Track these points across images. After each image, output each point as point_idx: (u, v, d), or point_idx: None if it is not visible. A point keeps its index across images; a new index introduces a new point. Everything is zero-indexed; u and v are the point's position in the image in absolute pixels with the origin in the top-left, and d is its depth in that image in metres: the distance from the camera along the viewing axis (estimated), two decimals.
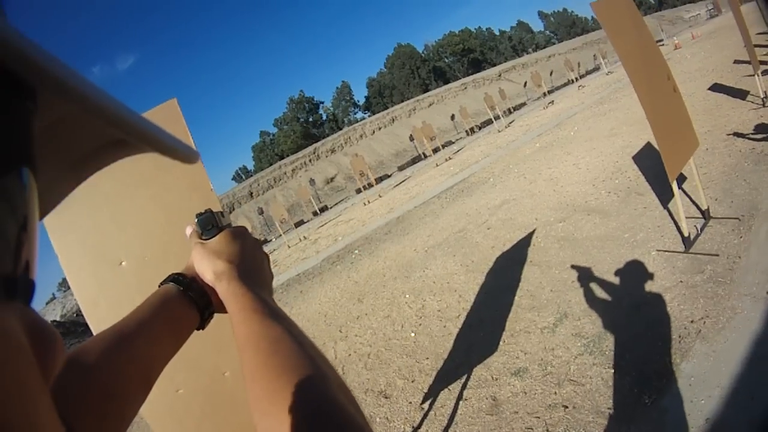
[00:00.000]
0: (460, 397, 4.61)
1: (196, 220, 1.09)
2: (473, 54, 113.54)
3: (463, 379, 4.84)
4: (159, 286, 1.02)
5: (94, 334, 2.49)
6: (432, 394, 4.79)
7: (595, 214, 7.73)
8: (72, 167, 0.39)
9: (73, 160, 0.38)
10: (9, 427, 0.25)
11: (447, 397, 4.73)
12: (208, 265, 1.00)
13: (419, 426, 4.47)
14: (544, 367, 4.54)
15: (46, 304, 50.26)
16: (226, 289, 0.95)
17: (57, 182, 0.38)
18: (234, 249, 1.03)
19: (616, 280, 5.54)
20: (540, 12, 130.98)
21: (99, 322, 2.53)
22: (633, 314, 4.75)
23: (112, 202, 2.63)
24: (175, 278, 1.01)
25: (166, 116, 2.67)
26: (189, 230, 1.12)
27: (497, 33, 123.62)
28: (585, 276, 5.89)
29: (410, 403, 5.00)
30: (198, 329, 1.03)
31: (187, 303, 0.98)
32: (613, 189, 8.49)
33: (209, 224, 1.08)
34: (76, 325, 33.67)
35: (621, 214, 7.33)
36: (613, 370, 4.12)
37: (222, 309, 1.02)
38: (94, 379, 0.76)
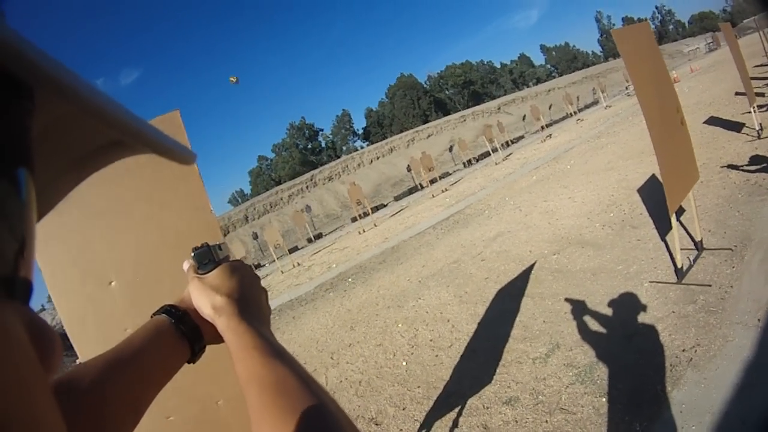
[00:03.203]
0: (454, 425, 4.62)
1: (192, 254, 1.08)
2: (474, 86, 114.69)
3: (456, 409, 4.83)
4: (152, 316, 1.01)
5: (78, 352, 2.41)
6: (425, 423, 4.80)
7: (589, 247, 7.78)
8: (70, 168, 0.39)
9: (70, 160, 0.38)
10: (11, 423, 0.25)
11: (439, 426, 4.73)
12: (206, 300, 0.99)
13: None
14: (536, 397, 4.55)
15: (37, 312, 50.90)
16: (226, 325, 0.94)
17: (55, 183, 0.38)
18: (232, 284, 1.02)
19: (608, 311, 5.57)
20: (542, 46, 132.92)
21: (84, 340, 2.50)
22: (625, 344, 4.77)
23: (104, 217, 2.54)
24: (167, 310, 1.01)
25: (167, 127, 2.58)
26: (186, 265, 1.11)
27: (498, 66, 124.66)
28: (578, 307, 5.91)
29: (401, 430, 5.00)
30: (188, 362, 1.03)
31: (178, 336, 0.98)
32: (608, 222, 8.55)
33: (206, 258, 1.06)
34: (64, 338, 33.41)
35: (615, 246, 7.37)
36: (604, 399, 4.13)
37: (215, 340, 1.03)
38: (84, 405, 0.76)
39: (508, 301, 7.03)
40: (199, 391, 2.50)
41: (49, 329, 0.33)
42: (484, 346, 6.01)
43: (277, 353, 0.87)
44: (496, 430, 4.34)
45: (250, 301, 1.02)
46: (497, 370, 5.25)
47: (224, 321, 0.95)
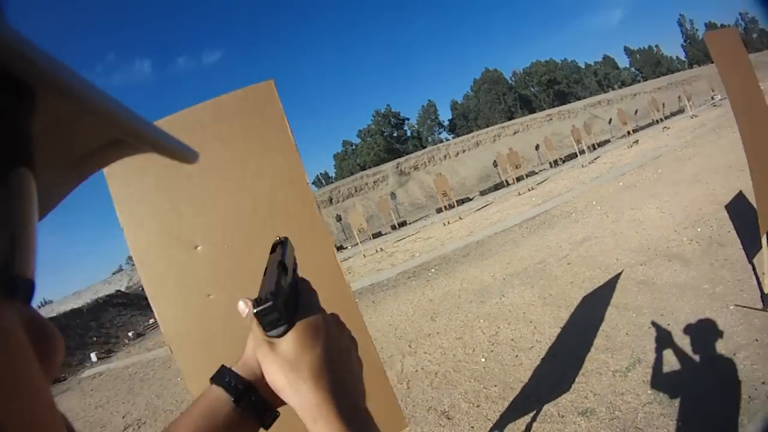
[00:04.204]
0: (527, 430, 4.63)
1: (254, 313, 0.77)
2: (559, 85, 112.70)
3: (531, 413, 4.85)
4: (210, 381, 0.85)
5: (157, 314, 2.54)
6: (498, 424, 4.82)
7: (676, 261, 7.63)
8: (71, 167, 0.39)
9: (72, 160, 0.38)
10: (10, 424, 0.26)
11: (512, 428, 4.75)
12: (290, 392, 0.79)
13: None
14: (612, 411, 4.52)
15: (113, 274, 51.29)
16: (318, 429, 0.76)
17: (56, 182, 0.38)
18: (316, 358, 0.80)
19: (692, 332, 5.44)
20: (626, 48, 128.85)
21: (164, 303, 2.55)
22: (705, 368, 4.69)
23: (194, 181, 2.55)
24: (227, 382, 0.83)
25: (261, 96, 2.61)
26: (244, 309, 0.89)
27: (582, 66, 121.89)
28: (662, 323, 5.81)
29: (473, 428, 5.02)
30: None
31: (239, 416, 0.81)
32: (695, 237, 8.37)
33: (273, 319, 0.78)
34: (139, 298, 34.39)
35: (702, 263, 7.21)
36: (680, 423, 4.06)
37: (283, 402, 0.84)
38: None
39: (592, 308, 6.97)
40: None
41: (50, 329, 0.34)
42: (565, 351, 6.00)
43: None
44: None
45: (345, 381, 0.83)
46: (576, 379, 5.23)
47: (312, 424, 0.77)
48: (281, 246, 0.96)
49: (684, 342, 5.31)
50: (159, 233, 2.55)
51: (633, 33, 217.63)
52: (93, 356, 22.72)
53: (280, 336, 0.80)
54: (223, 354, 2.41)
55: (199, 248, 2.54)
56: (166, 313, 2.56)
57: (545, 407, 4.90)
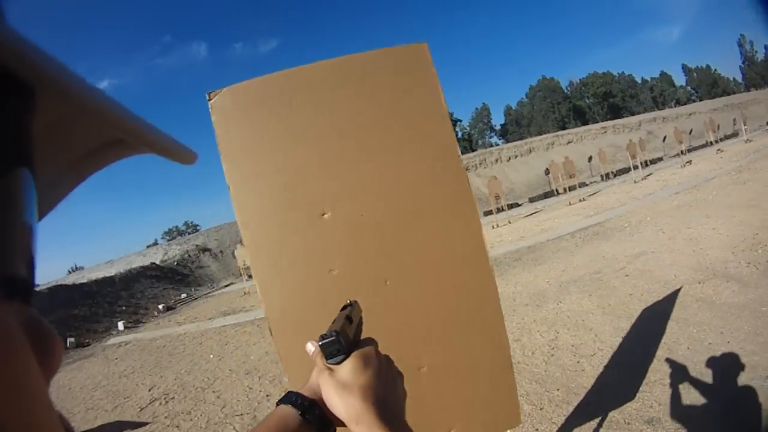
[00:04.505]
0: None
1: (319, 344, 1.00)
2: (614, 99, 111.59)
3: (597, 419, 4.85)
4: (276, 404, 0.98)
5: (260, 288, 2.26)
6: (563, 428, 4.81)
7: (734, 282, 7.55)
8: (70, 167, 0.39)
9: (71, 160, 0.38)
10: (8, 425, 0.26)
11: None
12: (339, 401, 0.94)
13: None
14: (677, 422, 4.52)
15: (147, 247, 51.79)
16: (360, 429, 0.90)
17: (55, 182, 0.38)
18: (367, 380, 0.96)
19: (751, 351, 5.42)
20: (684, 65, 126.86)
21: (271, 276, 2.25)
22: (764, 389, 4.67)
23: (329, 139, 2.26)
24: (293, 400, 0.97)
25: (413, 57, 2.35)
26: (311, 347, 1.05)
27: (639, 81, 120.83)
28: (721, 342, 5.79)
29: (537, 430, 5.01)
30: None
31: (306, 428, 0.93)
32: (753, 260, 8.27)
33: (335, 349, 0.99)
34: (173, 272, 35.02)
35: (759, 286, 7.16)
36: None
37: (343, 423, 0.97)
38: None
39: (652, 321, 6.95)
40: (400, 354, 2.27)
41: (49, 329, 0.34)
42: (627, 361, 5.95)
43: None
44: None
45: (386, 396, 0.97)
46: (640, 388, 5.22)
47: (361, 428, 0.91)
48: (350, 306, 1.16)
49: (744, 361, 5.29)
50: (277, 194, 2.26)
51: (691, 51, 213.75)
52: (120, 325, 22.66)
53: (338, 363, 0.98)
54: None
55: (326, 215, 2.26)
56: (273, 289, 2.27)
57: (610, 414, 4.88)
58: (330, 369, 0.98)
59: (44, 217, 0.36)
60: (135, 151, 0.39)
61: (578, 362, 6.30)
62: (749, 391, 4.65)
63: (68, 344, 18.68)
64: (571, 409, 5.23)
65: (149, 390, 9.96)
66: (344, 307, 1.14)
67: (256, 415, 7.00)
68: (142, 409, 8.79)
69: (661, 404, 4.86)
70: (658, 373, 5.45)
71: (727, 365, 5.26)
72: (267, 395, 7.80)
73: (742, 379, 4.90)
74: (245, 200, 2.25)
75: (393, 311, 2.24)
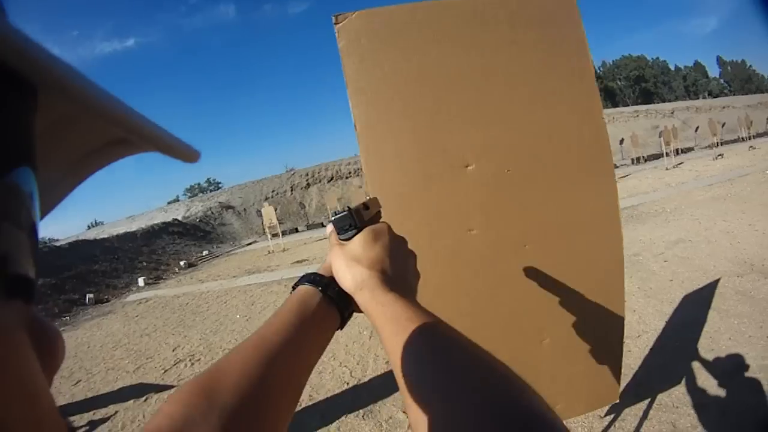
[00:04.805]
0: (644, 417, 4.66)
1: (332, 219, 1.03)
2: (646, 84, 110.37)
3: (646, 400, 4.89)
4: (293, 287, 0.98)
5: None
6: (613, 407, 4.81)
7: None
8: (72, 166, 0.38)
9: (73, 158, 0.38)
10: (10, 425, 0.26)
11: (628, 413, 4.77)
12: (347, 273, 0.95)
13: None
14: (722, 409, 4.58)
15: (168, 203, 51.89)
16: (370, 299, 0.89)
17: (57, 181, 0.38)
18: (375, 252, 0.97)
19: None
20: (719, 58, 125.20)
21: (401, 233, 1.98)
22: None
23: (477, 84, 2.04)
24: (312, 279, 0.97)
25: (561, 9, 2.15)
26: (329, 229, 1.06)
27: (672, 68, 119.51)
28: (761, 336, 5.81)
29: None
30: (338, 329, 0.99)
31: (326, 305, 0.94)
32: None
33: (346, 224, 1.01)
34: (195, 228, 35.22)
35: None
36: None
37: (360, 309, 0.98)
38: (242, 400, 0.72)
39: (693, 308, 6.97)
40: (522, 326, 2.20)
41: (51, 329, 0.34)
42: (672, 345, 5.98)
43: (434, 319, 0.81)
44: (684, 431, 4.39)
45: (395, 270, 0.97)
46: (686, 374, 5.27)
47: (367, 295, 0.90)
48: (369, 199, 1.17)
49: None
50: (416, 138, 2.04)
51: (726, 43, 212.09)
52: (141, 281, 22.44)
53: (349, 239, 1.00)
54: (469, 307, 2.18)
55: (471, 167, 2.05)
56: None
57: (659, 396, 4.92)
58: (341, 244, 1.01)
59: (44, 217, 0.36)
60: (138, 150, 0.38)
61: (624, 342, 6.16)
62: None
63: (87, 300, 18.53)
64: (620, 389, 5.17)
65: (173, 350, 9.65)
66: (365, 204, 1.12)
67: None
68: (166, 371, 8.47)
69: (706, 391, 4.89)
70: (703, 360, 5.48)
71: (766, 359, 5.30)
72: None
73: None
74: (375, 142, 2.03)
75: (527, 279, 2.15)
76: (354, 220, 1.01)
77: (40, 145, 0.31)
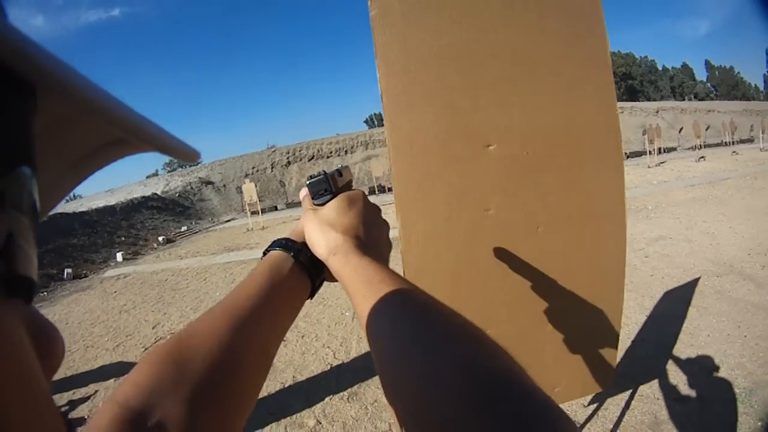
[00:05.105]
0: (626, 407, 4.77)
1: (307, 183, 1.03)
2: (632, 81, 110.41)
3: (628, 391, 5.00)
4: (264, 253, 0.98)
5: (401, 224, 1.99)
6: (597, 397, 4.91)
7: (749, 281, 7.70)
8: (71, 166, 0.38)
9: (72, 159, 0.38)
10: (9, 424, 0.26)
11: (611, 402, 4.87)
12: (321, 238, 0.95)
13: (583, 425, 4.60)
14: (702, 402, 4.70)
15: (147, 177, 51.87)
16: (344, 263, 0.89)
17: (56, 181, 0.38)
18: (349, 218, 0.97)
19: (765, 348, 5.62)
20: (708, 62, 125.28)
21: (418, 212, 1.97)
22: None
23: (502, 65, 2.00)
24: (283, 244, 0.97)
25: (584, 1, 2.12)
26: (303, 193, 1.06)
27: (660, 68, 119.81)
28: (738, 335, 5.98)
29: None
30: (308, 299, 0.99)
31: (297, 272, 0.94)
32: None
33: (322, 188, 1.01)
34: (174, 204, 35.23)
35: None
36: (760, 423, 4.30)
37: (332, 278, 0.99)
38: (211, 367, 0.72)
39: (673, 304, 7.11)
40: (529, 308, 2.19)
41: (51, 328, 0.35)
42: (653, 339, 6.10)
43: (408, 283, 0.80)
44: (665, 422, 4.49)
45: (368, 237, 0.97)
46: (668, 367, 5.40)
47: (340, 260, 0.90)
48: (343, 167, 1.14)
49: (761, 355, 5.49)
50: (438, 117, 1.97)
51: (715, 48, 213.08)
52: (119, 256, 22.04)
53: (324, 204, 0.99)
54: (481, 288, 2.16)
55: (492, 147, 2.01)
56: (416, 225, 2.01)
57: (641, 388, 5.04)
58: (315, 209, 1.01)
59: (44, 217, 0.36)
60: (137, 150, 0.38)
61: None
62: (765, 384, 4.87)
63: (65, 275, 18.15)
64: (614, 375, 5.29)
65: (153, 328, 9.55)
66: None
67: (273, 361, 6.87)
68: (146, 349, 8.31)
69: (687, 384, 5.03)
70: (683, 354, 5.62)
71: (743, 357, 5.46)
72: (283, 340, 7.38)
73: (758, 372, 5.09)
74: (400, 116, 1.95)
75: (537, 261, 2.15)
76: (329, 185, 1.01)
77: (40, 146, 0.31)
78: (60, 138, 0.35)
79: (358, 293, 0.82)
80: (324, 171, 1.02)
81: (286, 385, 6.15)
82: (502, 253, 2.09)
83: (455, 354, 0.60)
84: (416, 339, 0.66)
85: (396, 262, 0.97)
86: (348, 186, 1.14)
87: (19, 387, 0.27)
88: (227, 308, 0.82)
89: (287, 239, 0.99)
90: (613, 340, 2.47)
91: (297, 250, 0.96)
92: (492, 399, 0.51)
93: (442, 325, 0.67)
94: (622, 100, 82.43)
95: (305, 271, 0.95)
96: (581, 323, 2.33)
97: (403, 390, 0.63)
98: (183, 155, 0.37)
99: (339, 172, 1.09)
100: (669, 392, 4.91)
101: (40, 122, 0.30)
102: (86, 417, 6.13)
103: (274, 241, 0.99)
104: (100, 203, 32.82)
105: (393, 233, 1.12)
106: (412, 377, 0.61)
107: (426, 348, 0.63)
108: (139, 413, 0.63)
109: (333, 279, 0.98)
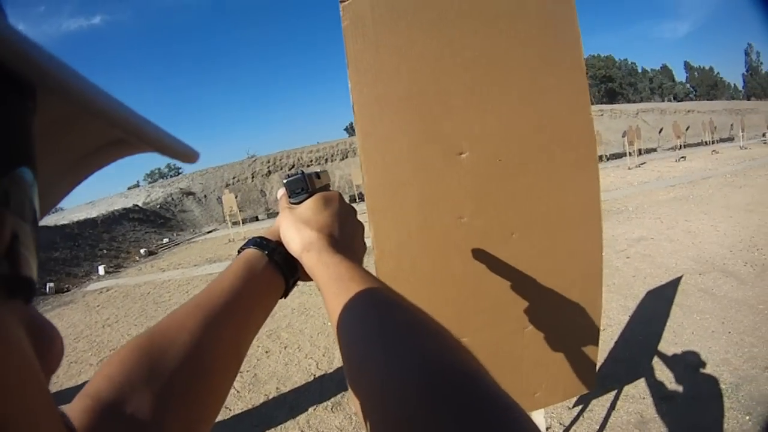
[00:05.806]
0: (612, 407, 4.77)
1: (284, 182, 1.04)
2: (612, 84, 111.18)
3: (613, 392, 5.00)
4: (239, 251, 0.98)
5: (374, 234, 1.96)
6: (582, 399, 4.92)
7: (732, 278, 7.75)
8: (71, 167, 0.39)
9: (72, 159, 0.38)
10: (8, 425, 0.26)
11: (596, 404, 4.87)
12: (295, 235, 0.96)
13: (569, 427, 4.61)
14: (688, 400, 4.74)
15: (129, 188, 50.93)
16: (317, 260, 0.90)
17: (56, 182, 0.38)
18: (324, 217, 0.98)
19: (752, 342, 5.64)
20: (687, 63, 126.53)
21: (391, 221, 1.93)
22: (765, 378, 4.93)
23: (474, 70, 1.96)
24: (258, 242, 0.97)
25: (557, 4, 2.07)
26: (280, 192, 1.08)
27: (640, 70, 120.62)
28: (723, 331, 6.00)
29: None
30: (281, 297, 0.99)
31: (271, 270, 0.94)
32: (750, 261, 8.45)
33: (299, 187, 1.03)
34: (156, 215, 34.97)
35: (756, 286, 7.32)
36: (747, 417, 4.34)
37: (307, 277, 0.98)
38: (182, 362, 0.72)
39: (657, 303, 7.12)
40: (507, 313, 2.16)
41: (50, 328, 0.34)
42: (637, 339, 6.11)
43: (378, 282, 0.82)
44: (652, 420, 4.49)
45: (342, 236, 0.99)
46: (653, 366, 5.41)
47: (313, 257, 0.91)
48: (321, 171, 1.17)
49: (746, 350, 5.52)
50: (411, 125, 1.93)
51: (695, 50, 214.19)
52: (101, 269, 21.84)
53: (300, 203, 1.01)
54: (456, 295, 2.14)
55: (464, 155, 1.98)
56: (390, 235, 1.97)
57: (626, 388, 5.04)
58: (291, 207, 1.02)
59: (44, 217, 0.36)
60: (136, 150, 0.38)
61: None
62: (748, 380, 4.89)
63: (48, 289, 17.94)
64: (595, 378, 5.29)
65: None
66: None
67: (256, 373, 6.83)
68: None
69: (672, 382, 5.05)
70: (667, 353, 5.64)
71: (728, 353, 5.47)
72: (266, 351, 7.61)
73: (744, 368, 5.11)
74: (373, 125, 1.92)
75: (512, 265, 2.12)
76: (306, 184, 1.03)
77: (40, 146, 0.31)
78: (60, 138, 0.35)
79: (329, 290, 0.83)
80: (302, 170, 1.04)
81: (270, 397, 6.14)
82: (480, 255, 2.08)
83: (415, 349, 0.61)
84: (380, 333, 0.67)
85: (371, 272, 0.96)
86: (326, 189, 1.14)
87: (19, 387, 0.27)
88: (200, 304, 0.82)
89: (262, 238, 0.99)
90: (594, 342, 2.44)
91: (271, 248, 0.96)
92: (449, 394, 0.51)
93: (405, 321, 0.68)
94: (602, 103, 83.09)
95: (279, 269, 0.95)
96: (559, 327, 2.30)
97: (366, 383, 0.64)
98: (183, 156, 0.37)
99: (317, 174, 1.11)
100: (655, 391, 4.92)
101: (40, 122, 0.30)
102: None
103: (249, 239, 0.99)
104: (81, 216, 32.53)
105: (367, 242, 1.13)
106: (374, 371, 0.62)
107: (387, 343, 0.64)
108: (111, 405, 0.63)
109: (308, 278, 0.98)
